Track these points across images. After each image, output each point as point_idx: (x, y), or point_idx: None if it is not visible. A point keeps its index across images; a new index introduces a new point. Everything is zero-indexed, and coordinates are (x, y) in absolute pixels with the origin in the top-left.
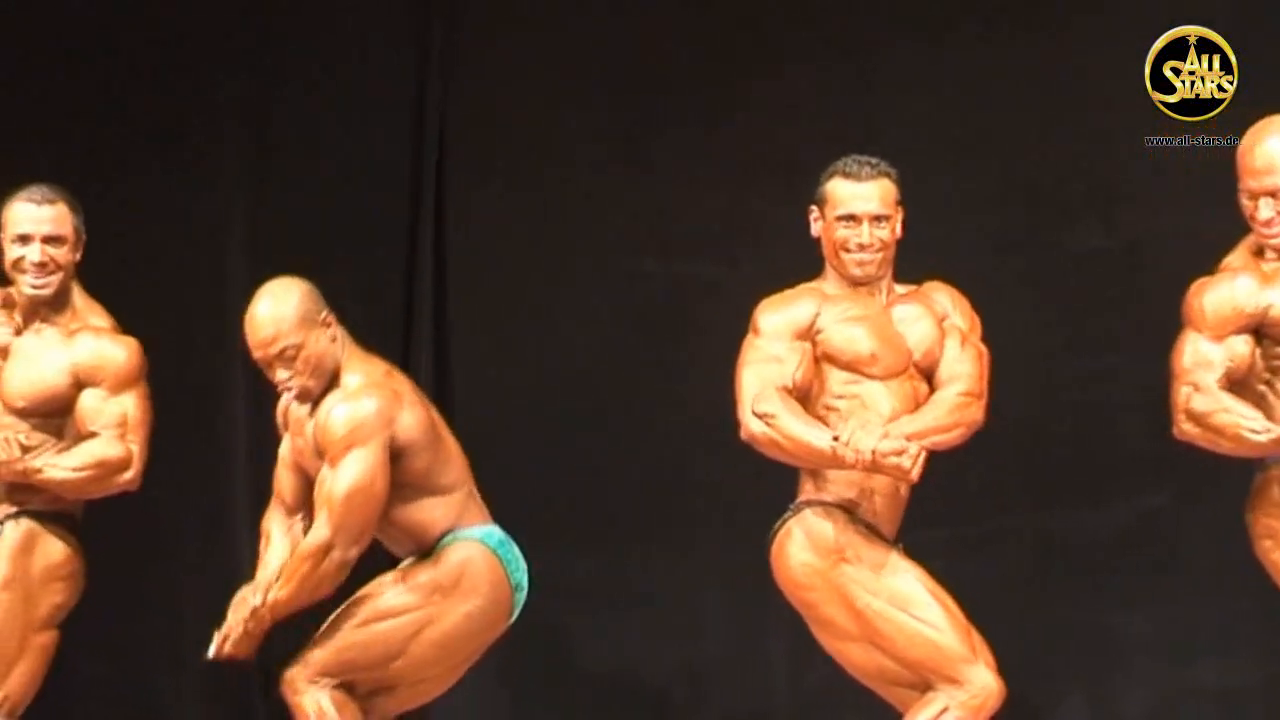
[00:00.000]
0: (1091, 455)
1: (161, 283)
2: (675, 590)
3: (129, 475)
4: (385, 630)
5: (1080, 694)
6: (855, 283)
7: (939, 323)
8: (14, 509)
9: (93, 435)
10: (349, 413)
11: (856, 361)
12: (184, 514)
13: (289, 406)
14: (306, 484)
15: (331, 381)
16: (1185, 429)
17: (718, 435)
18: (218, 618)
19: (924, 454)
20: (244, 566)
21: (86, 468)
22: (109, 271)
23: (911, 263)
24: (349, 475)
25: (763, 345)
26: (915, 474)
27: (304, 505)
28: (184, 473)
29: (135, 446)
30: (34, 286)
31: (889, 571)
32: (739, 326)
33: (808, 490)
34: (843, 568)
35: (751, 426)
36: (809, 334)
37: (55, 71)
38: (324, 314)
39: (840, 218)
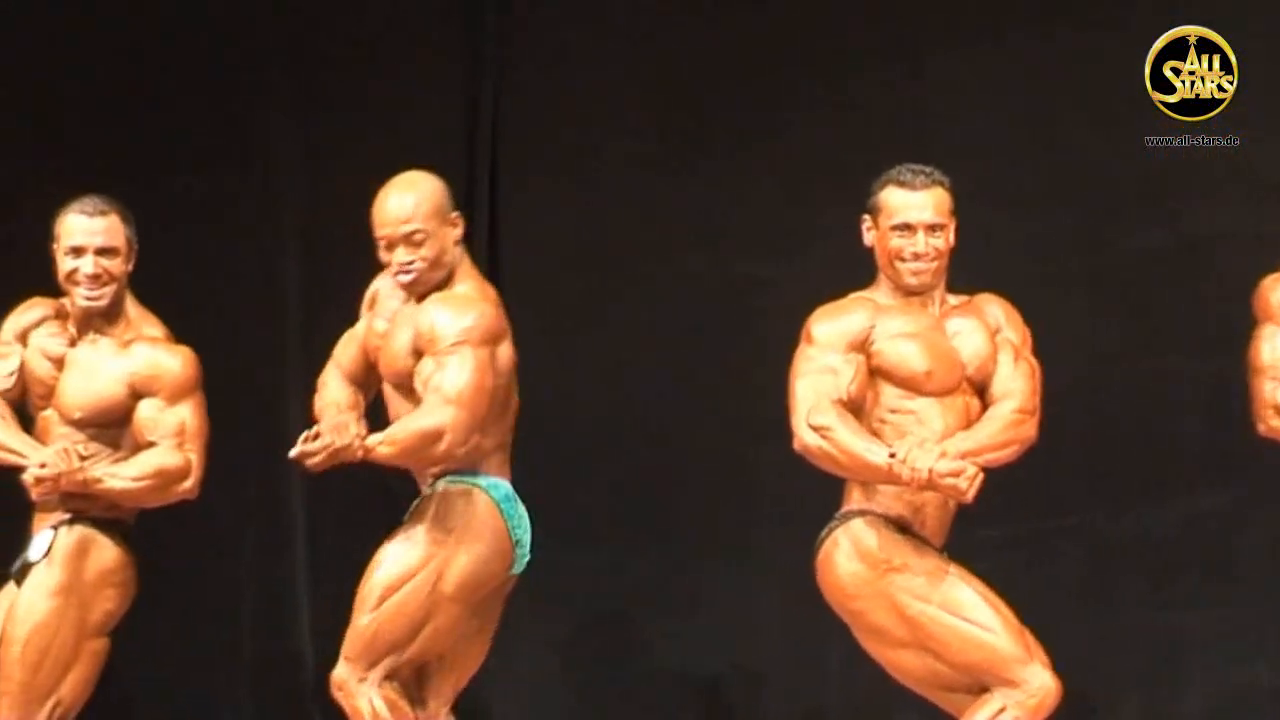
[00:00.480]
0: (1149, 455)
1: (215, 286)
2: (731, 591)
3: (188, 484)
4: (403, 598)
5: (1137, 694)
6: (909, 292)
7: (992, 336)
8: (67, 516)
9: (151, 445)
10: (464, 316)
11: (911, 379)
12: (240, 518)
13: (379, 291)
14: (368, 367)
15: (444, 282)
16: (1274, 424)
17: (774, 436)
18: (274, 623)
19: (980, 474)
20: (300, 571)
21: (146, 477)
22: (163, 275)
23: (967, 265)
24: (464, 372)
25: (816, 355)
26: (971, 495)
27: (360, 384)
28: (240, 477)
29: (193, 456)
30: (88, 298)
31: (938, 578)
32: (793, 327)
33: (856, 500)
34: (891, 576)
35: (806, 438)
36: (863, 346)
37: (106, 73)
38: (455, 214)
39: (895, 227)
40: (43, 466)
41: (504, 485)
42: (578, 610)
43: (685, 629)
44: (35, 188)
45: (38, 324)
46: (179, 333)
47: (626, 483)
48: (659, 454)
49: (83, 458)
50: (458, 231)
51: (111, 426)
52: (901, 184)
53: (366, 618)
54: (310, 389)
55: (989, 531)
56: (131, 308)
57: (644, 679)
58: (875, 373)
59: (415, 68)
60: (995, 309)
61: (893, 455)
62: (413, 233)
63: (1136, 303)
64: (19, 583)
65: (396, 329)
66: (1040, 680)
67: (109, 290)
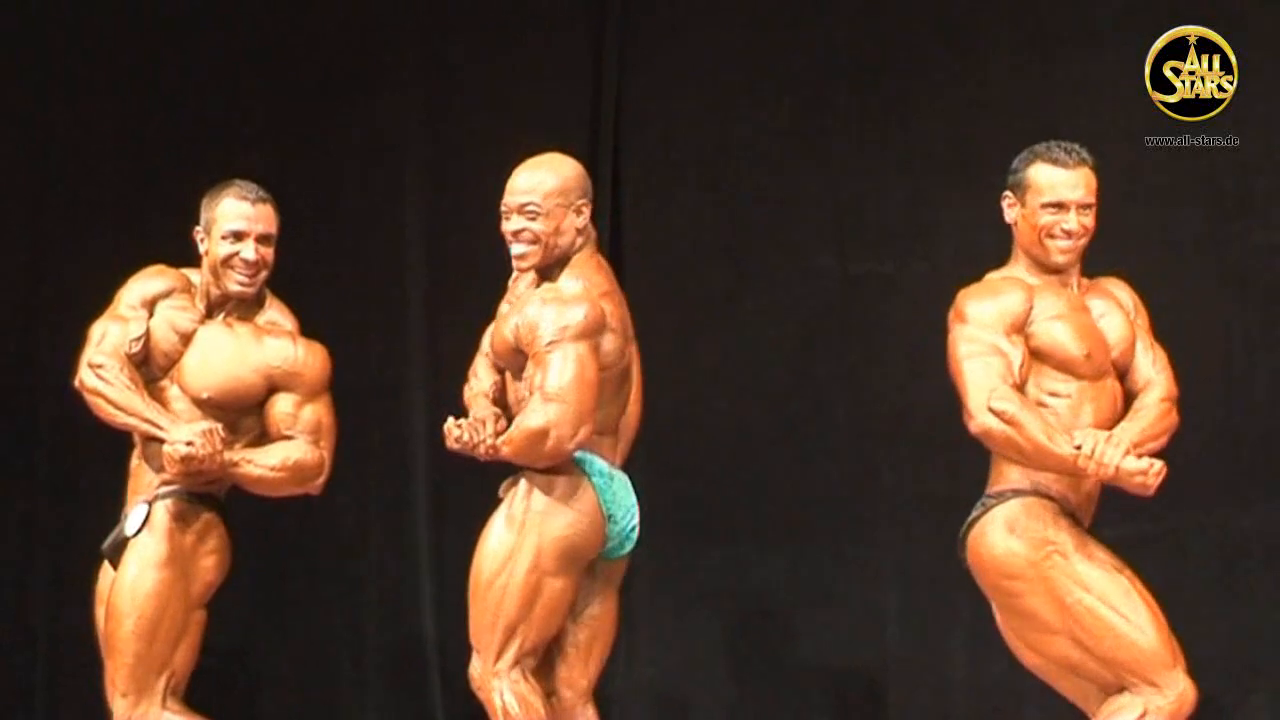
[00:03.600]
0: (1278, 450)
1: (340, 282)
2: (854, 588)
3: (319, 481)
4: (508, 579)
5: (1265, 693)
6: (1053, 270)
7: (1128, 320)
8: (160, 490)
9: (285, 438)
10: (564, 314)
11: (1068, 362)
12: (364, 514)
13: (517, 280)
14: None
15: (554, 271)
16: None
17: (898, 432)
18: (397, 621)
19: (1164, 469)
20: (423, 567)
21: (285, 469)
22: (287, 271)
23: (1097, 259)
24: (565, 369)
25: (978, 335)
26: (1153, 489)
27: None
28: (364, 472)
29: (326, 454)
30: (242, 284)
31: (1099, 568)
32: (915, 324)
33: (1010, 479)
34: (1055, 560)
35: (988, 422)
36: (1023, 328)
37: (237, 73)
38: (582, 202)
39: (1047, 204)
40: (190, 445)
41: (598, 462)
42: (706, 607)
43: (812, 625)
44: (163, 173)
45: (165, 294)
46: (305, 330)
47: (752, 479)
48: (785, 450)
49: (223, 440)
50: (580, 220)
51: (236, 411)
52: (1054, 161)
53: (479, 605)
54: (432, 386)
55: (1118, 529)
56: (266, 295)
57: (773, 674)
58: (1033, 355)
59: (539, 63)
60: (1123, 293)
61: (1078, 448)
62: (526, 204)
63: (1265, 297)
64: (114, 559)
65: (512, 313)
66: (1182, 686)
67: (261, 278)
